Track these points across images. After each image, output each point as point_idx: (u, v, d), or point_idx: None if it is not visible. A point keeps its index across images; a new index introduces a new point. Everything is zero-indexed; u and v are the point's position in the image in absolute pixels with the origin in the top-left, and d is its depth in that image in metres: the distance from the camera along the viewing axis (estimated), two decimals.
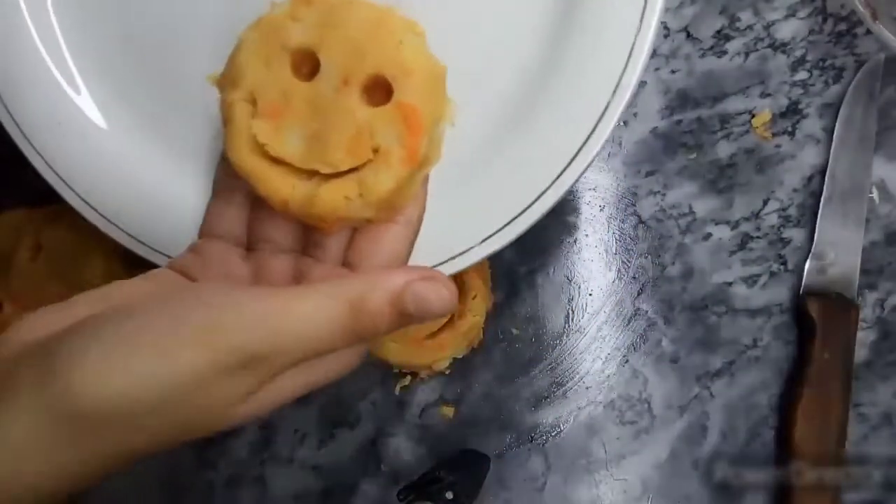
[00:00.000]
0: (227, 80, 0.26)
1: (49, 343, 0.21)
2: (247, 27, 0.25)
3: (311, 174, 0.25)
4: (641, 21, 0.29)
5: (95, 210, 0.34)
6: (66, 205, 0.44)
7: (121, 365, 0.20)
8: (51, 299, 0.42)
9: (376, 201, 0.25)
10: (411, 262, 0.28)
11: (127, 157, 0.35)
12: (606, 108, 0.30)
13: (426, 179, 0.27)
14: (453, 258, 0.31)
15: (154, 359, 0.20)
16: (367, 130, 0.24)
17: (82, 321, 0.21)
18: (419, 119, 0.24)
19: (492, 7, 0.31)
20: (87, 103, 0.35)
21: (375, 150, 0.24)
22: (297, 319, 0.21)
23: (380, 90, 0.25)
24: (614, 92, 0.30)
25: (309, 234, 0.27)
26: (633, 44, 0.29)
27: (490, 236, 0.31)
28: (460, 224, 0.31)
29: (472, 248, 0.31)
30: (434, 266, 0.31)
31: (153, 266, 0.44)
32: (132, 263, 0.43)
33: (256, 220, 0.27)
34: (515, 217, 0.31)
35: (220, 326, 0.20)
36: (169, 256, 0.33)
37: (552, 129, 0.31)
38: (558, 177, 0.30)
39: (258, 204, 0.27)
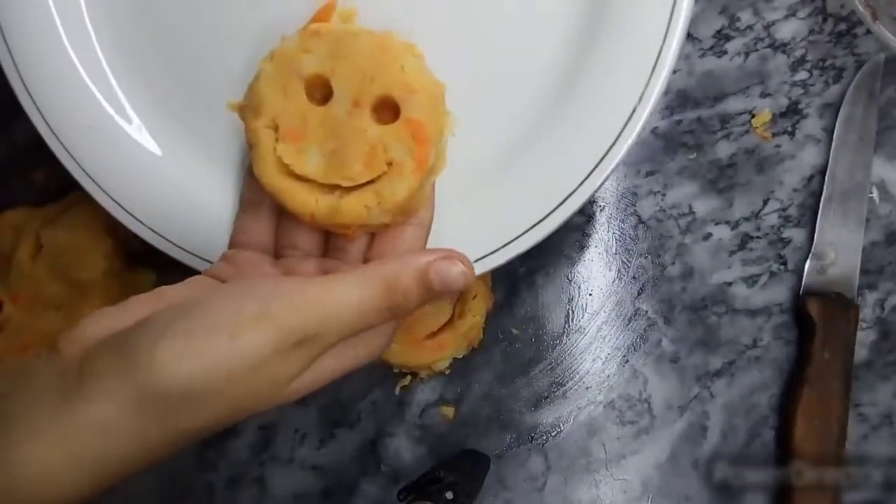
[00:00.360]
0: (249, 109, 0.29)
1: (123, 335, 0.23)
2: (262, 59, 0.28)
3: (333, 188, 0.28)
4: (667, 30, 0.30)
5: (127, 210, 0.35)
6: (67, 205, 0.44)
7: (194, 348, 0.22)
8: (51, 299, 0.43)
9: (393, 208, 0.28)
10: None
11: (160, 162, 0.35)
12: (630, 117, 0.30)
13: (434, 185, 0.30)
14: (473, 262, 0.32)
15: (222, 341, 0.22)
16: (380, 146, 0.27)
17: (152, 315, 0.24)
18: (426, 133, 0.27)
19: (515, 14, 0.32)
20: (128, 119, 0.35)
21: (389, 163, 0.27)
22: (341, 300, 0.24)
23: (387, 109, 0.28)
24: (639, 100, 0.30)
25: (331, 238, 0.30)
26: (659, 54, 0.30)
27: (511, 241, 0.32)
28: (483, 229, 0.32)
29: (494, 251, 0.32)
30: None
31: (155, 266, 0.44)
32: (132, 264, 0.43)
33: (282, 229, 0.31)
34: (539, 222, 0.31)
35: (274, 311, 0.23)
36: (196, 255, 0.34)
37: (577, 137, 0.31)
38: (579, 186, 0.31)
39: (283, 215, 0.30)
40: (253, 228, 0.31)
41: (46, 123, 0.34)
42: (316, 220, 0.28)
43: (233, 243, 0.31)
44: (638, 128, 0.30)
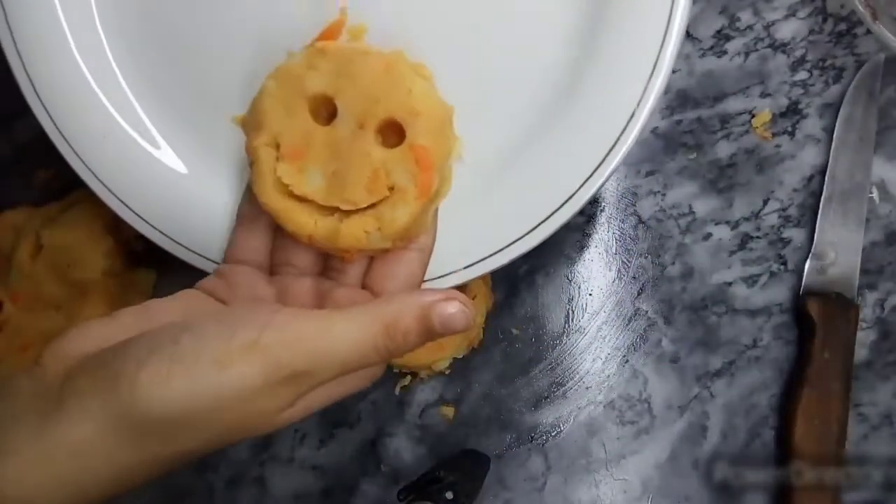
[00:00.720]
0: (251, 125, 0.28)
1: (109, 353, 0.23)
2: (267, 75, 0.28)
3: (332, 210, 0.27)
4: (666, 29, 0.30)
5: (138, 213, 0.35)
6: (67, 204, 0.44)
7: (179, 374, 0.22)
8: (51, 299, 0.43)
9: (394, 234, 0.27)
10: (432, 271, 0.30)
11: (180, 177, 0.35)
12: (631, 116, 0.30)
13: (436, 211, 0.29)
14: (471, 265, 0.32)
15: (210, 369, 0.22)
16: (382, 170, 0.27)
17: (140, 335, 0.23)
18: (430, 158, 0.27)
19: (515, 17, 0.32)
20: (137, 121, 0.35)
21: (391, 188, 0.27)
22: (337, 340, 0.23)
23: (392, 132, 0.27)
24: (640, 100, 0.30)
25: (329, 258, 0.30)
26: (658, 53, 0.30)
27: (513, 242, 0.31)
28: (485, 230, 0.32)
29: (497, 252, 0.32)
30: (453, 272, 0.32)
31: (155, 266, 0.44)
32: (132, 263, 0.43)
33: (279, 246, 0.30)
34: (541, 223, 0.31)
35: (266, 343, 0.22)
36: (202, 255, 0.34)
37: (578, 138, 0.31)
38: (581, 186, 0.31)
39: (280, 232, 0.29)
40: (249, 244, 0.30)
41: (56, 126, 0.34)
42: (314, 242, 0.28)
43: (227, 258, 0.31)
44: (639, 127, 0.30)
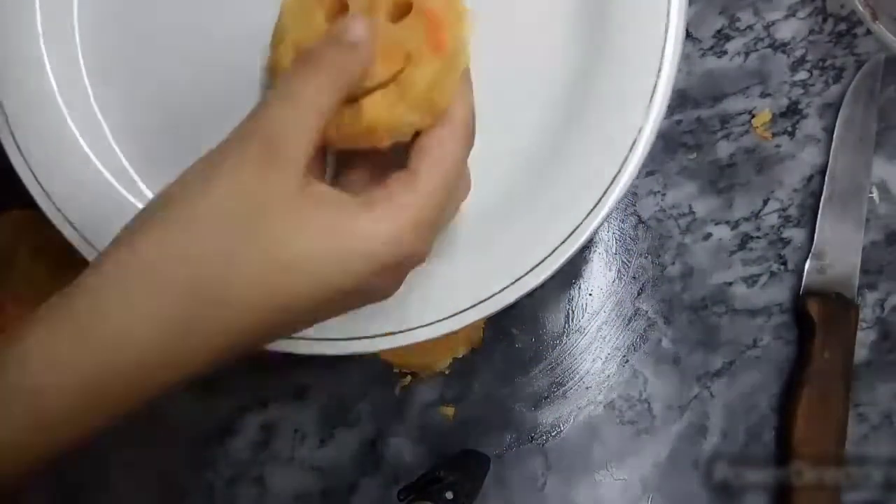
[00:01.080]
0: (273, 44, 0.29)
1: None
2: None
3: (354, 100, 0.27)
4: (666, 37, 0.30)
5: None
6: None
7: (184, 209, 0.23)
8: None
9: (418, 101, 0.27)
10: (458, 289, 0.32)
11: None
12: (640, 130, 0.32)
13: (468, 80, 0.28)
14: (484, 301, 0.33)
15: (198, 185, 0.23)
16: (396, 41, 0.27)
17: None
18: (439, 16, 0.27)
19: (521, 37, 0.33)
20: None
21: (408, 58, 0.27)
22: (286, 99, 0.25)
23: (403, 15, 0.27)
24: (646, 110, 0.31)
25: (374, 174, 0.29)
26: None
27: (529, 272, 0.33)
28: (504, 257, 0.33)
29: (524, 275, 0.33)
30: (464, 310, 0.33)
31: None
32: None
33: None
34: (545, 257, 0.33)
35: (237, 137, 0.24)
36: None
37: (587, 159, 0.32)
38: (587, 215, 0.32)
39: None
40: None
41: (33, 174, 0.35)
42: (340, 132, 0.27)
43: None
44: (647, 136, 0.30)
